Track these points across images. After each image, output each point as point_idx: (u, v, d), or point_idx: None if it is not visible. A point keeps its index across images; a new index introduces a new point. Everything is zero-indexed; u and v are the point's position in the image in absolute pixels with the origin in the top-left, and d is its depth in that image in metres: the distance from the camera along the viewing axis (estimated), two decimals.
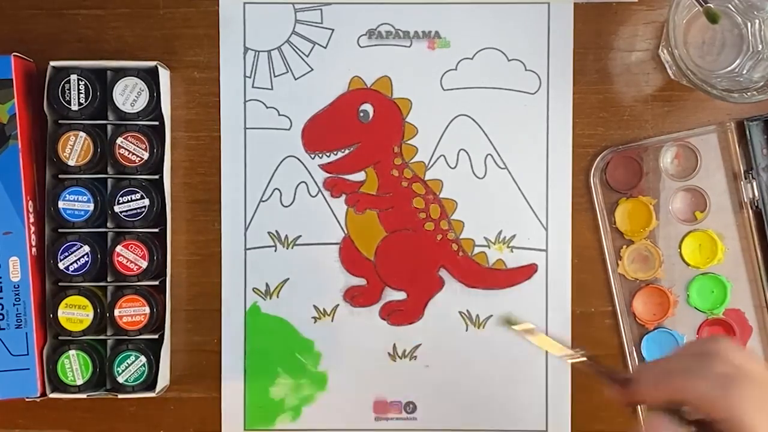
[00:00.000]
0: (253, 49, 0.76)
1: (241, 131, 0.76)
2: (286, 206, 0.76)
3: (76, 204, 0.72)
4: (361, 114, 0.76)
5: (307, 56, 0.76)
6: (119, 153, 0.73)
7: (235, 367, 0.76)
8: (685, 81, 0.71)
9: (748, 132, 0.75)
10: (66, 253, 0.72)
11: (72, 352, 0.72)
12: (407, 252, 0.77)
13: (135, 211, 0.73)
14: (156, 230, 0.74)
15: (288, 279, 0.76)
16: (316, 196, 0.76)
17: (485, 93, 0.76)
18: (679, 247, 0.76)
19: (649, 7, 0.76)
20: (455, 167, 0.76)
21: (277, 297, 0.77)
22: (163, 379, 0.74)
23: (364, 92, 0.76)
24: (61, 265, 0.72)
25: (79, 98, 0.72)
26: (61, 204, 0.72)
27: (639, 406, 0.66)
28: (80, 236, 0.73)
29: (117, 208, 0.73)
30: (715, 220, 0.76)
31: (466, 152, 0.76)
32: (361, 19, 0.76)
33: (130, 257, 0.73)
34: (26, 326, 0.72)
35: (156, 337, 0.74)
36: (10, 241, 0.71)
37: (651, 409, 0.56)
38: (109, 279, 0.74)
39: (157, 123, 0.74)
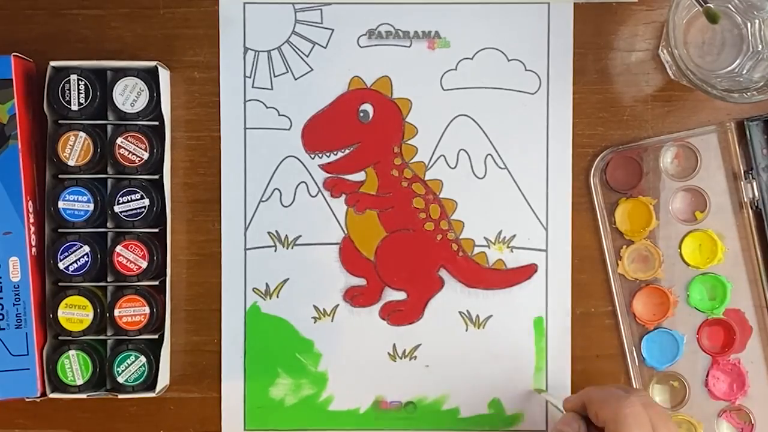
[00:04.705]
0: (253, 49, 0.76)
1: (241, 131, 0.76)
2: (286, 206, 0.76)
3: (76, 204, 0.72)
4: (361, 114, 0.76)
5: (307, 56, 0.76)
6: (119, 153, 0.73)
7: (235, 367, 0.76)
8: (685, 81, 0.71)
9: (748, 132, 0.75)
10: (66, 253, 0.72)
11: (72, 352, 0.72)
12: (407, 252, 0.77)
13: (135, 211, 0.73)
14: (156, 230, 0.74)
15: (288, 279, 0.76)
16: (316, 196, 0.76)
17: (485, 93, 0.76)
18: (679, 247, 0.76)
19: (649, 7, 0.76)
20: (455, 167, 0.76)
21: (277, 297, 0.77)
22: (163, 379, 0.74)
23: (364, 92, 0.76)
24: (61, 265, 0.72)
25: (79, 98, 0.72)
26: (61, 204, 0.72)
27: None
28: (80, 236, 0.73)
29: (117, 208, 0.72)
30: (715, 220, 0.76)
31: (466, 152, 0.76)
32: (361, 19, 0.76)
33: (130, 257, 0.73)
34: (26, 326, 0.72)
35: (156, 337, 0.74)
36: (10, 241, 0.71)
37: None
38: (109, 279, 0.74)
39: (157, 123, 0.74)
